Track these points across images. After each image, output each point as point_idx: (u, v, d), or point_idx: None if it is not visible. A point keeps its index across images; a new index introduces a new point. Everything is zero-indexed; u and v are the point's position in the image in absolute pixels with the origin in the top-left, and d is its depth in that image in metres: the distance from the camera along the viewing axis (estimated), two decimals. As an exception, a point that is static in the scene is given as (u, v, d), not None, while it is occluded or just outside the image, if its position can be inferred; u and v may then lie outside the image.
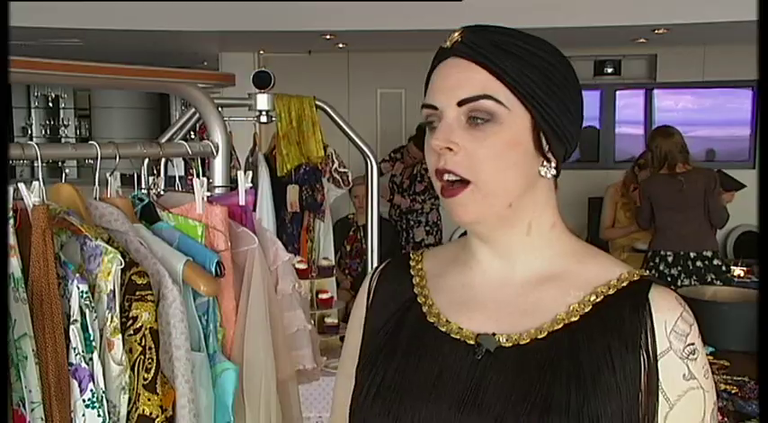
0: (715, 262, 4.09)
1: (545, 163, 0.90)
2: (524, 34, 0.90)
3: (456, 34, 0.89)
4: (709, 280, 3.99)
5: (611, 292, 0.90)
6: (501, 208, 0.89)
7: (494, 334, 0.90)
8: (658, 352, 0.86)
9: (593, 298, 0.90)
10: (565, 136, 0.90)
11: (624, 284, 0.90)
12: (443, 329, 0.93)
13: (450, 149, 0.87)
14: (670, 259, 4.11)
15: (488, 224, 0.91)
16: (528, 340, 0.89)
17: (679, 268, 4.09)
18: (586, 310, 0.89)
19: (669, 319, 0.87)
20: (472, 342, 0.90)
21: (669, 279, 4.08)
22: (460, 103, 0.87)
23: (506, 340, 0.89)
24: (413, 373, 0.91)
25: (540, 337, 0.89)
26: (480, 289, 0.95)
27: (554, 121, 0.89)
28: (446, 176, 0.88)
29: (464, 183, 0.87)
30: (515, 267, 0.94)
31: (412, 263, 1.03)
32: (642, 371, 0.86)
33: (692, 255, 4.08)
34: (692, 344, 0.88)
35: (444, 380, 0.89)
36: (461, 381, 0.88)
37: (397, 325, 0.97)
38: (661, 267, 4.13)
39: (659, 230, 4.17)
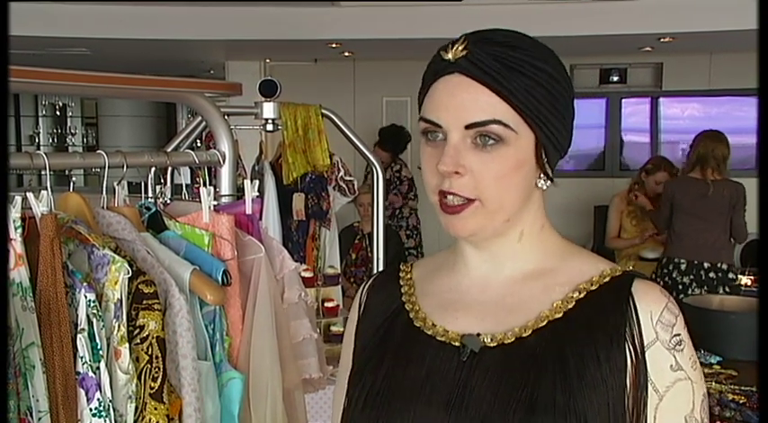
0: (729, 275, 4.02)
1: (542, 175, 0.91)
2: (527, 42, 0.88)
3: (460, 47, 0.87)
4: (720, 292, 3.91)
5: (593, 287, 0.90)
6: (499, 223, 0.90)
7: (478, 334, 0.90)
8: (645, 343, 0.86)
9: (576, 294, 0.90)
10: (562, 147, 0.92)
11: (606, 280, 0.91)
12: (429, 333, 0.94)
13: (458, 173, 0.86)
14: (683, 267, 4.05)
15: (484, 236, 0.92)
16: (512, 339, 0.89)
17: (691, 277, 4.03)
18: (570, 307, 0.90)
19: (655, 310, 0.88)
20: (457, 343, 0.91)
21: (680, 287, 4.03)
22: (468, 127, 0.86)
23: (491, 340, 0.90)
24: (401, 379, 0.92)
25: (524, 335, 0.89)
26: (466, 290, 0.96)
27: (555, 137, 0.90)
28: (450, 198, 0.88)
29: (468, 201, 0.87)
30: (503, 269, 0.95)
31: (402, 273, 1.04)
32: (629, 363, 0.86)
33: (706, 265, 4.01)
34: (679, 334, 0.88)
35: (432, 382, 0.90)
36: (448, 383, 0.89)
37: (385, 334, 0.98)
38: (674, 275, 4.07)
39: (675, 236, 4.09)
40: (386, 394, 0.91)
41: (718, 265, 4.02)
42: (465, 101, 0.86)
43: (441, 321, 0.94)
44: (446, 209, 0.88)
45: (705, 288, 3.98)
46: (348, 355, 1.03)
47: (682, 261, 4.06)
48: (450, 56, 0.87)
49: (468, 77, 0.86)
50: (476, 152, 0.86)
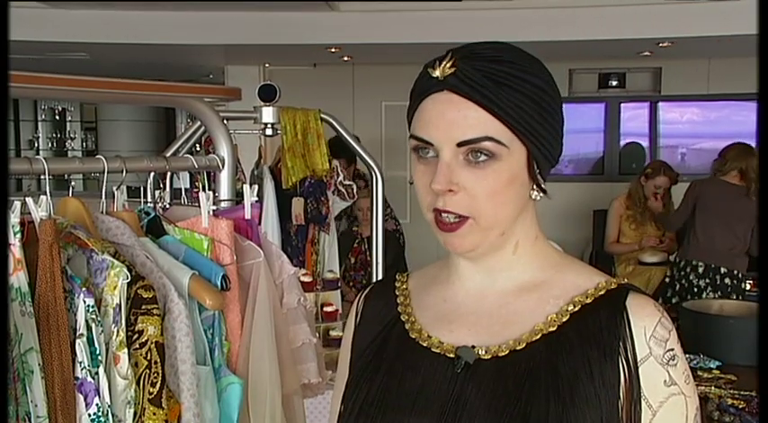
0: (743, 285, 4.00)
1: (535, 187, 0.91)
2: (514, 54, 0.87)
3: (447, 64, 0.86)
4: (733, 299, 3.87)
5: (588, 300, 0.90)
6: (495, 237, 0.91)
7: (473, 346, 0.91)
8: (638, 358, 0.86)
9: (570, 307, 0.90)
10: (554, 157, 0.92)
11: (602, 293, 0.91)
12: (425, 344, 0.94)
13: (451, 190, 0.86)
14: (701, 270, 4.02)
15: (481, 252, 0.92)
16: (506, 352, 0.89)
17: (707, 281, 4.00)
18: (564, 320, 0.90)
19: (648, 326, 0.88)
20: (452, 355, 0.91)
21: (695, 290, 3.99)
22: (460, 144, 0.85)
23: (485, 352, 0.90)
24: (395, 390, 0.92)
25: (518, 348, 0.89)
26: (461, 302, 0.96)
27: (547, 149, 0.89)
28: (445, 216, 0.88)
29: (463, 218, 0.87)
30: (497, 281, 0.95)
31: (397, 284, 1.04)
32: (622, 379, 0.86)
33: (722, 270, 3.98)
34: (672, 349, 0.88)
35: (426, 394, 0.90)
36: (442, 394, 0.89)
37: (381, 344, 0.98)
38: (690, 277, 4.04)
39: (694, 238, 4.06)
40: (380, 405, 0.92)
41: (734, 272, 3.99)
42: (456, 119, 0.85)
43: (436, 333, 0.94)
44: (442, 227, 0.88)
45: (719, 293, 3.94)
46: (345, 363, 1.03)
47: (699, 264, 4.02)
48: (437, 73, 0.86)
49: (458, 95, 0.85)
50: (468, 169, 0.86)
